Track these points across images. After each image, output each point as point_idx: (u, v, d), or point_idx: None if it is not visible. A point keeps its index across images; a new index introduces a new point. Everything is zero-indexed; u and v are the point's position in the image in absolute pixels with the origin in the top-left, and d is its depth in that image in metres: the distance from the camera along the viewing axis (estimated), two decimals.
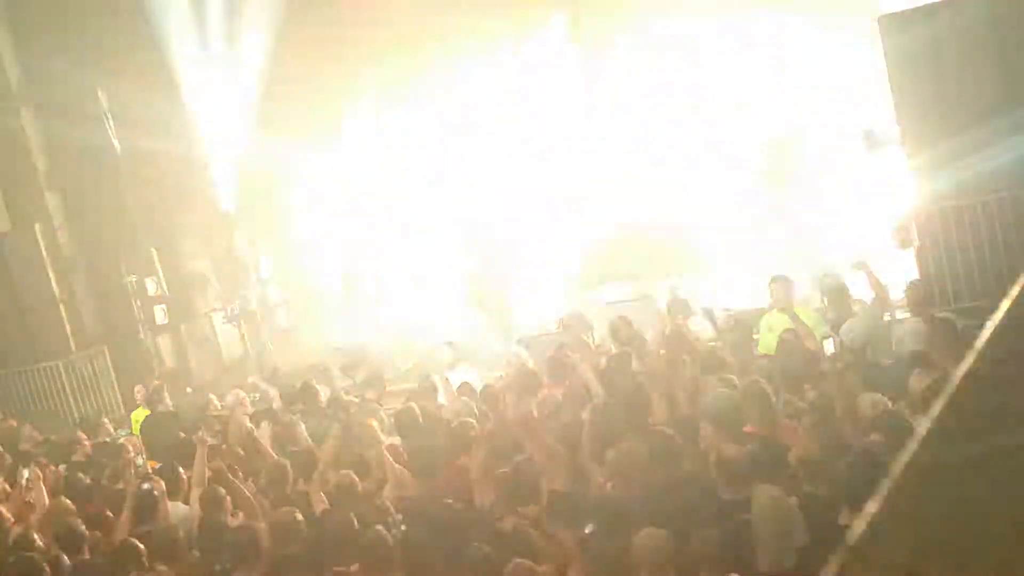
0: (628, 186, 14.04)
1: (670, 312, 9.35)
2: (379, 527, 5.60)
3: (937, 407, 1.58)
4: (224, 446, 8.28)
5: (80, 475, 8.77)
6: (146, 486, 7.06)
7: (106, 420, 11.55)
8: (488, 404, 7.95)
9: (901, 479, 1.49)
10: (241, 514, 6.70)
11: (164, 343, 14.61)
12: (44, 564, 6.14)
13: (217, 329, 15.05)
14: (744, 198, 12.54)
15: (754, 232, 12.04)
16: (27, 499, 7.80)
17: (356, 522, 5.78)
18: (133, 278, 14.26)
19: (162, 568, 6.05)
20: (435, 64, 17.00)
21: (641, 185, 14.12)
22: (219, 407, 11.02)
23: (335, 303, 15.11)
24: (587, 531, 5.30)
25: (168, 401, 10.76)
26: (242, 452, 8.11)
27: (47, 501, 7.66)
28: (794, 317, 8.06)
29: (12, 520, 7.47)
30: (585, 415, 7.06)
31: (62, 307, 13.44)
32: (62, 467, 9.27)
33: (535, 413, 7.10)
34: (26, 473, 7.79)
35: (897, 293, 8.99)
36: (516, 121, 15.59)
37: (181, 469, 7.61)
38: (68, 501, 7.60)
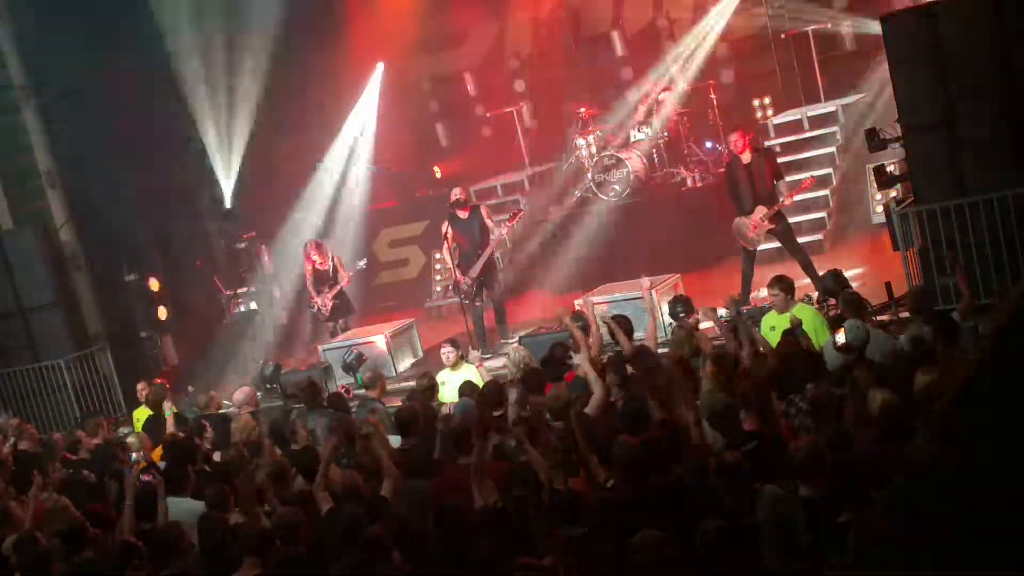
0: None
1: (671, 312, 9.36)
2: (379, 527, 5.61)
3: (939, 406, 1.58)
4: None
5: (82, 473, 8.80)
6: (146, 478, 7.09)
7: (105, 419, 11.56)
8: (489, 403, 7.95)
9: (903, 477, 1.50)
10: (243, 513, 6.70)
11: (166, 341, 14.61)
12: (50, 561, 6.16)
13: (219, 327, 15.04)
14: None
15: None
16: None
17: (362, 520, 5.77)
18: (135, 276, 14.26)
19: (164, 566, 6.06)
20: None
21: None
22: (221, 404, 11.06)
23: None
24: (580, 532, 5.30)
25: (168, 401, 10.75)
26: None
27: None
28: (794, 318, 8.09)
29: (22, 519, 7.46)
30: (587, 413, 7.08)
31: (63, 305, 13.43)
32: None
33: (536, 412, 7.10)
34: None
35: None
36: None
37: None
38: (68, 500, 7.61)
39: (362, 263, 13.40)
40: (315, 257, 13.19)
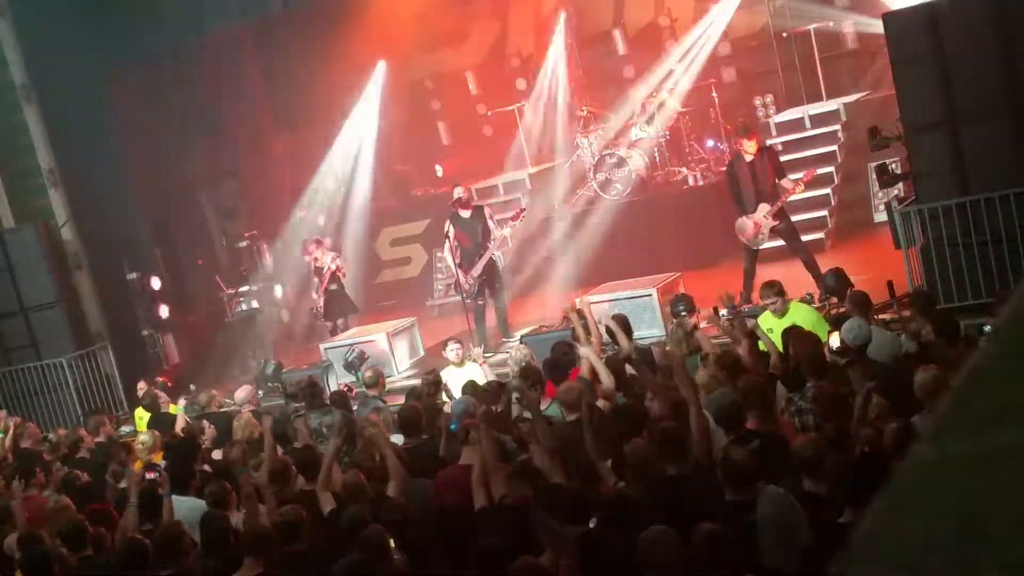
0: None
1: (672, 310, 9.34)
2: (379, 526, 5.60)
3: (940, 404, 1.58)
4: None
5: (83, 473, 8.79)
6: (150, 476, 7.08)
7: (108, 418, 11.56)
8: (491, 401, 7.93)
9: (904, 477, 1.49)
10: (244, 512, 6.70)
11: (167, 340, 14.62)
12: (54, 560, 6.15)
13: (221, 326, 15.04)
14: None
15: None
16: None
17: (367, 520, 5.76)
18: (136, 274, 14.27)
19: (165, 565, 6.05)
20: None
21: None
22: (222, 403, 11.06)
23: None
24: (591, 525, 5.30)
25: (179, 400, 10.76)
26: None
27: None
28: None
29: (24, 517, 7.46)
30: (589, 412, 7.06)
31: (65, 303, 13.43)
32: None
33: (535, 409, 7.09)
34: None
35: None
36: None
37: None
38: (68, 499, 7.61)
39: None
40: (313, 252, 13.30)
